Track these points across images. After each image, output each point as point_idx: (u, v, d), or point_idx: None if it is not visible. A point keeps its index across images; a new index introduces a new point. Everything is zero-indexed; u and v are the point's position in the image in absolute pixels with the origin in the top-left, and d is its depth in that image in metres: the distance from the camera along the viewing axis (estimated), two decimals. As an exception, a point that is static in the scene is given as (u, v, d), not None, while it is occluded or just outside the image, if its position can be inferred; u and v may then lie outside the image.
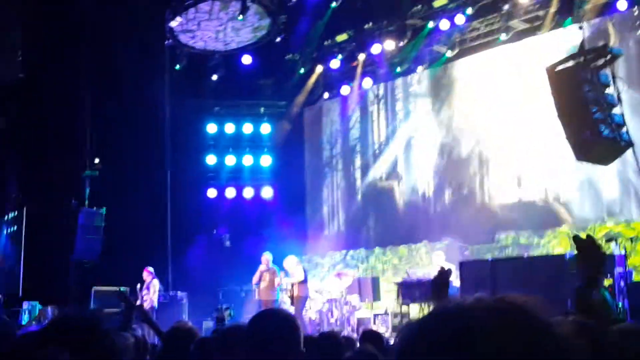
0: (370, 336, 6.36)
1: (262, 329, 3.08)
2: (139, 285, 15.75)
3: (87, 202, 17.78)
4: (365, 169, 19.74)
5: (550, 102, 11.44)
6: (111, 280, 16.16)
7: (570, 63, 11.26)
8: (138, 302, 15.55)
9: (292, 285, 14.80)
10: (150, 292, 15.71)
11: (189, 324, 5.55)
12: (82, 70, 18.38)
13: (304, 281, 14.89)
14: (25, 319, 16.08)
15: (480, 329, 1.01)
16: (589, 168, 13.36)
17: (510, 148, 16.22)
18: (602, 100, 11.10)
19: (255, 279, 15.36)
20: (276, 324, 3.10)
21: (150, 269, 16.02)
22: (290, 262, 15.10)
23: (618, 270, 10.68)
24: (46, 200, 18.17)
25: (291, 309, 14.36)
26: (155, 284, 15.90)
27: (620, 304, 9.98)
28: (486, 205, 16.77)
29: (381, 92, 19.64)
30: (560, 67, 11.34)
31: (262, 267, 15.32)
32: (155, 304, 15.65)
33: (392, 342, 9.75)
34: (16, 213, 19.63)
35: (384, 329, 14.04)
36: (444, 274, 3.88)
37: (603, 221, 14.45)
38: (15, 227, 19.69)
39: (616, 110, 11.18)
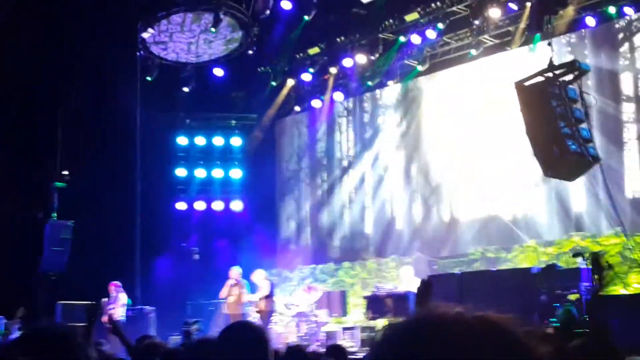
0: (335, 351, 6.36)
1: (232, 341, 3.06)
2: (105, 299, 15.58)
3: (54, 214, 17.58)
4: (334, 183, 19.75)
5: (519, 118, 11.55)
6: (78, 294, 15.95)
7: (539, 78, 11.38)
8: (105, 317, 15.36)
9: (259, 299, 14.77)
10: (117, 306, 15.54)
11: (156, 338, 5.49)
12: (52, 79, 18.22)
13: (270, 295, 14.85)
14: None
15: (464, 349, 1.01)
16: (558, 183, 13.51)
17: (479, 162, 16.33)
18: (570, 115, 11.23)
19: (223, 293, 15.26)
20: (246, 337, 3.08)
21: (117, 282, 15.86)
22: (258, 276, 15.07)
23: (584, 284, 10.78)
24: (13, 212, 17.92)
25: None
26: (122, 297, 15.75)
27: (586, 318, 10.05)
28: (454, 220, 16.84)
29: (352, 105, 19.70)
30: (529, 83, 11.46)
31: (230, 282, 15.23)
32: (123, 317, 15.48)
33: (359, 356, 9.73)
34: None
35: (352, 343, 14.01)
36: (427, 285, 3.93)
37: (570, 236, 14.58)
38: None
39: (584, 126, 11.31)
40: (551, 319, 9.88)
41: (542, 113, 11.22)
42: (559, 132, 11.01)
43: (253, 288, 15.10)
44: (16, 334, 13.55)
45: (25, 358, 2.40)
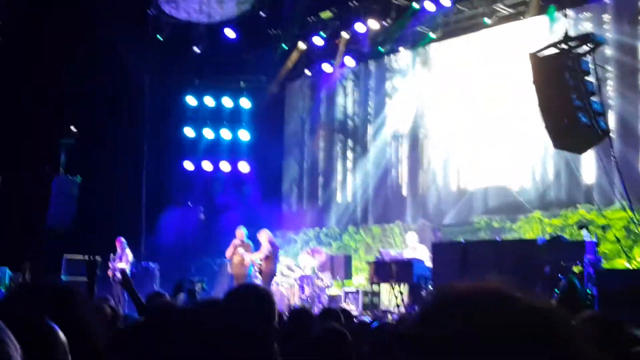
0: (330, 314, 6.32)
1: (238, 303, 3.07)
2: (112, 255, 15.71)
3: (61, 170, 17.61)
4: (342, 147, 19.75)
5: (530, 88, 11.48)
6: (83, 249, 16.07)
7: (554, 50, 11.30)
8: (110, 272, 15.51)
9: (261, 260, 14.82)
10: (123, 262, 15.65)
11: (167, 296, 5.52)
12: (61, 36, 18.12)
13: (273, 256, 14.88)
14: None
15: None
16: (567, 154, 13.45)
17: (489, 131, 16.26)
18: (582, 88, 11.17)
19: (228, 253, 15.33)
20: (252, 299, 3.09)
21: (122, 239, 15.94)
22: (262, 236, 15.10)
23: (588, 257, 10.79)
24: (21, 167, 17.97)
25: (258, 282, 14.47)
26: (128, 254, 15.87)
27: (589, 291, 10.09)
28: (460, 188, 16.83)
29: (362, 71, 19.60)
30: (543, 54, 11.38)
31: (236, 242, 15.29)
32: (127, 273, 15.56)
33: (363, 319, 9.77)
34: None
35: (354, 307, 14.11)
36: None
37: (576, 208, 14.56)
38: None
39: (595, 99, 11.25)
40: (554, 291, 9.91)
41: (555, 85, 11.15)
42: (571, 104, 10.95)
43: (258, 248, 15.16)
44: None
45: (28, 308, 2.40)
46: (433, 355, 1.01)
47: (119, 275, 15.19)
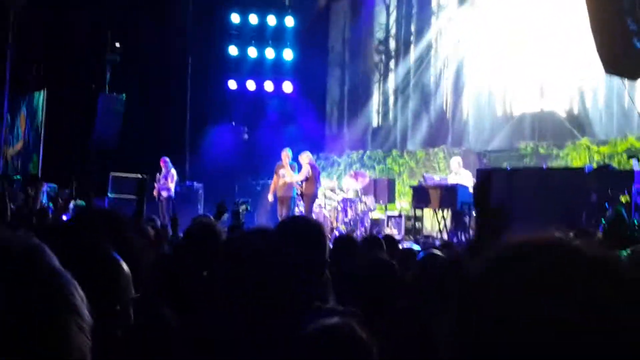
0: (373, 243, 6.26)
1: (289, 233, 3.07)
2: (157, 174, 15.85)
3: (107, 87, 17.73)
4: (386, 69, 19.51)
5: (583, 11, 11.14)
6: (128, 166, 16.30)
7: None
8: (155, 192, 15.69)
9: (302, 182, 14.81)
10: (169, 181, 15.81)
11: (212, 220, 5.56)
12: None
13: (313, 179, 14.85)
14: (43, 200, 16.26)
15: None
16: (619, 81, 13.12)
17: (537, 56, 15.85)
18: (638, 11, 10.80)
19: (274, 179, 15.25)
20: (304, 230, 3.10)
21: (167, 158, 16.04)
22: (303, 158, 15.05)
23: (636, 187, 10.63)
24: (66, 84, 18.11)
25: (301, 205, 14.60)
26: (173, 173, 16.01)
27: (636, 221, 9.97)
28: (507, 113, 16.56)
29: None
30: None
31: (281, 163, 15.25)
32: (173, 193, 15.77)
33: (405, 245, 9.81)
34: (37, 95, 19.60)
35: (397, 232, 14.16)
36: (484, 179, 3.71)
37: (625, 137, 14.27)
38: (35, 109, 19.70)
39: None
40: (601, 220, 9.81)
41: (609, 8, 10.82)
42: (625, 28, 10.63)
43: (300, 171, 15.16)
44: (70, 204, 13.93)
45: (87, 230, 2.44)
46: (500, 307, 1.00)
47: (164, 194, 15.42)
